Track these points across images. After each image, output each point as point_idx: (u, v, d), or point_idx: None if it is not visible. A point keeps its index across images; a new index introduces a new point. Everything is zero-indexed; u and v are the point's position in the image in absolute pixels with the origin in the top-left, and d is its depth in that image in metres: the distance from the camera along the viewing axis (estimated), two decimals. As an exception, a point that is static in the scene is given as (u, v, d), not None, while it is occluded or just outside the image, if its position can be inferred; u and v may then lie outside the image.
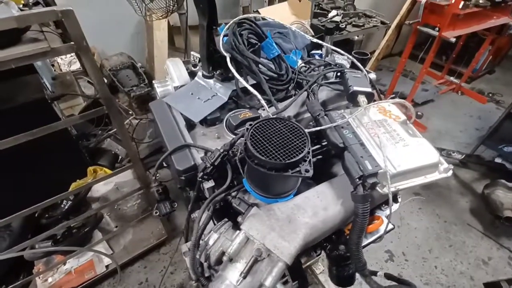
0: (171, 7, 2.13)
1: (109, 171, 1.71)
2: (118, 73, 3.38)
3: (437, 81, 4.11)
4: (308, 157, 0.64)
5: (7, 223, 1.45)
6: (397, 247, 2.36)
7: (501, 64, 4.68)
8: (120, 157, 2.02)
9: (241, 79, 0.85)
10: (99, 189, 2.46)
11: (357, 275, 1.02)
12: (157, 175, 0.87)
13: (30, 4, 1.27)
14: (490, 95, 4.13)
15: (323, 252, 0.97)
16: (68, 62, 3.27)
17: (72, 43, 1.15)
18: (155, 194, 0.85)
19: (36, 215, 1.97)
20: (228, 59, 0.86)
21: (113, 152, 2.00)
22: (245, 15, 1.01)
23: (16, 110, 1.36)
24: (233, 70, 0.84)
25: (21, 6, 1.19)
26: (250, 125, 0.68)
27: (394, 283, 0.96)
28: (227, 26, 0.94)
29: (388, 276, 1.03)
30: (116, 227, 2.32)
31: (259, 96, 0.82)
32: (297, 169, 0.62)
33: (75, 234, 2.05)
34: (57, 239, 2.00)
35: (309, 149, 0.64)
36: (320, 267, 2.07)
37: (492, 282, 2.06)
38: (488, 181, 2.64)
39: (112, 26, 3.37)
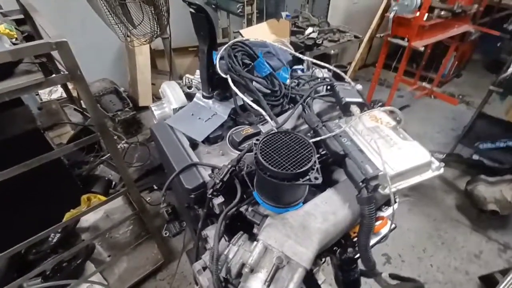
0: (155, 32, 2.18)
1: (103, 198, 1.67)
2: (101, 99, 3.37)
3: (411, 87, 4.35)
4: (316, 166, 0.68)
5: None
6: (392, 249, 2.41)
7: (467, 68, 5.04)
8: (114, 182, 1.98)
9: (244, 98, 0.89)
10: (88, 218, 2.37)
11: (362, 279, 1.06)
12: (165, 195, 0.88)
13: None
14: (460, 97, 4.41)
15: (323, 261, 1.00)
16: (48, 91, 3.21)
17: (67, 72, 1.16)
18: (165, 215, 0.86)
19: (22, 251, 1.88)
20: (230, 80, 0.91)
21: (106, 178, 1.97)
22: (237, 39, 1.07)
23: (9, 142, 1.33)
24: (236, 90, 0.89)
25: (13, 40, 1.20)
26: (257, 140, 0.72)
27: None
28: (222, 49, 0.99)
29: (393, 276, 1.08)
30: (109, 256, 2.24)
31: (263, 112, 0.86)
32: (307, 177, 0.66)
33: (66, 268, 1.96)
34: (47, 275, 1.90)
35: (316, 158, 0.68)
36: (322, 277, 2.07)
37: (487, 275, 2.13)
38: (469, 178, 2.76)
39: (93, 53, 3.38)
